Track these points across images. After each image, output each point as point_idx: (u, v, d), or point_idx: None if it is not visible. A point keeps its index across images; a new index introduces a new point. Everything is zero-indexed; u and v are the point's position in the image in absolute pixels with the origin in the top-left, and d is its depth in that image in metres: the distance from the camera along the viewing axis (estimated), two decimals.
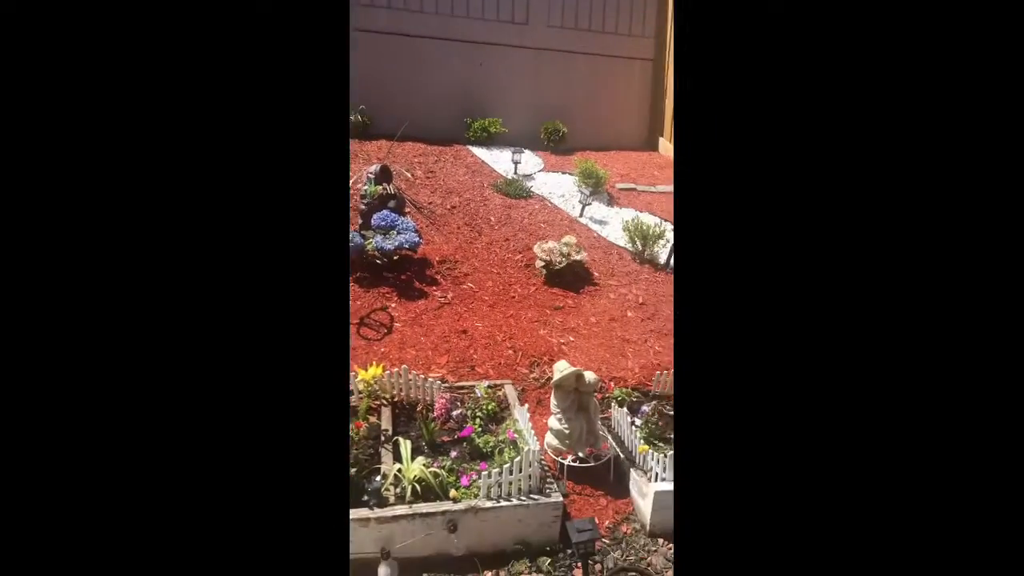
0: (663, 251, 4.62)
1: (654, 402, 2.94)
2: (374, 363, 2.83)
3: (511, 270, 4.23)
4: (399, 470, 2.27)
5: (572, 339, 3.63)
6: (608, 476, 2.67)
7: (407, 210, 4.53)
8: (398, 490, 2.25)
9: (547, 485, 2.37)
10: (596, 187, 5.41)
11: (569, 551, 2.29)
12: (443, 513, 2.20)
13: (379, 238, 3.83)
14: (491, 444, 2.52)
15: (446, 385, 2.94)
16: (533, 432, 2.52)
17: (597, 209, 5.25)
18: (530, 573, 2.23)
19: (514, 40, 6.37)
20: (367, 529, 2.14)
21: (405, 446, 2.35)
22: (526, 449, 2.32)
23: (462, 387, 2.99)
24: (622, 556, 2.35)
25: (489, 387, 2.93)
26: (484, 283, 4.04)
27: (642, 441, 2.63)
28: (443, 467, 2.35)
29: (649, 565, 2.32)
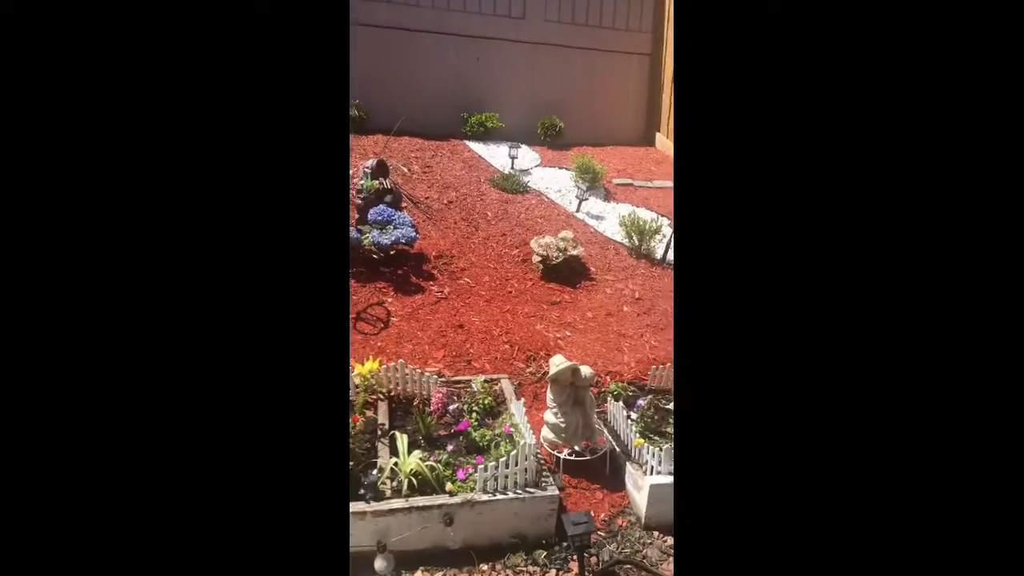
0: (659, 246, 4.63)
1: (650, 396, 2.96)
2: (371, 357, 2.84)
3: (508, 265, 4.23)
4: (395, 464, 2.28)
5: (569, 334, 3.63)
6: (604, 470, 2.69)
7: (404, 205, 4.52)
8: (394, 484, 2.26)
9: (543, 479, 2.38)
10: (593, 182, 5.41)
11: (565, 544, 2.30)
12: (439, 507, 2.20)
13: (376, 233, 3.82)
14: (487, 438, 2.52)
15: (443, 379, 2.95)
16: (529, 426, 2.53)
17: (594, 204, 5.25)
18: (526, 566, 2.24)
19: (511, 35, 6.34)
20: (364, 522, 2.14)
21: (402, 440, 2.36)
22: (522, 443, 2.33)
23: (459, 381, 2.99)
24: (618, 549, 2.36)
25: (485, 381, 2.94)
26: (481, 278, 4.04)
27: (638, 435, 2.64)
28: (439, 461, 2.35)
29: (644, 558, 2.33)
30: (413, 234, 3.92)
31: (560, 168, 5.80)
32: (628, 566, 2.27)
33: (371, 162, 4.36)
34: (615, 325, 3.77)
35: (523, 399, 2.84)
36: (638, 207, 5.29)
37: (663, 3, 6.69)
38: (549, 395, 2.70)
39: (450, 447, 2.48)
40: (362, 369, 2.69)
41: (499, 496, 2.27)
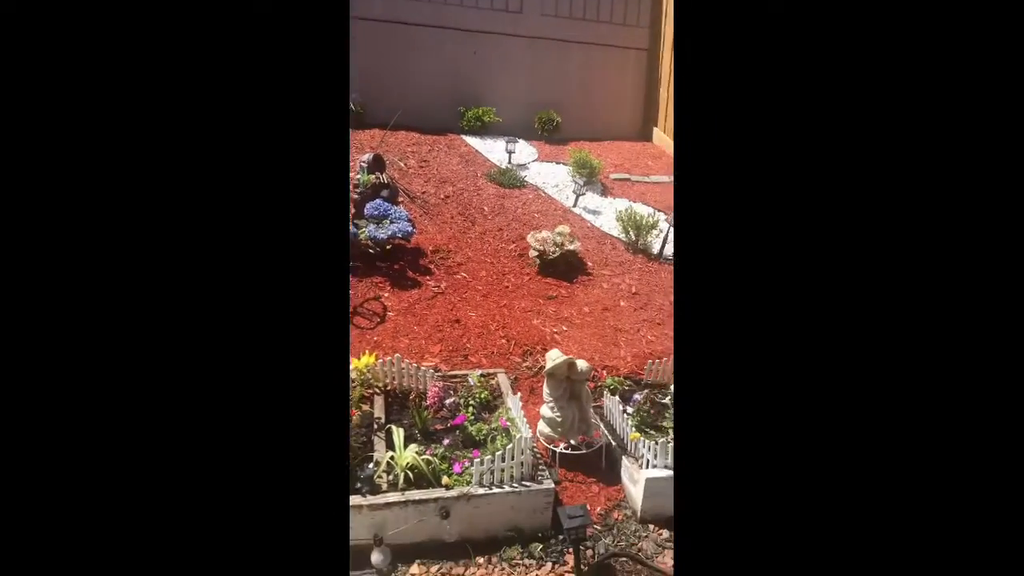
0: (656, 241, 4.63)
1: (646, 390, 2.96)
2: (367, 352, 2.83)
3: (504, 260, 4.23)
4: (392, 458, 2.28)
5: (565, 328, 3.64)
6: (600, 463, 2.69)
7: (400, 199, 4.51)
8: (391, 477, 2.26)
9: (539, 472, 2.39)
10: (590, 177, 5.41)
11: (561, 537, 2.31)
12: (436, 500, 2.21)
13: (372, 227, 3.81)
14: (484, 432, 2.53)
15: (439, 374, 2.95)
16: (525, 420, 2.53)
17: (591, 199, 5.24)
18: (522, 559, 2.25)
19: (508, 29, 6.32)
20: (360, 516, 2.15)
21: (398, 434, 2.36)
22: (518, 437, 2.33)
23: (455, 376, 2.99)
24: (613, 542, 2.37)
25: (482, 376, 2.94)
26: (477, 273, 4.04)
27: (634, 429, 2.65)
28: (436, 455, 2.36)
29: (640, 551, 2.35)
30: (409, 229, 3.91)
31: (557, 163, 5.79)
32: (624, 559, 2.29)
33: (367, 156, 4.34)
34: (612, 320, 3.78)
35: (519, 393, 2.85)
36: (635, 202, 5.28)
37: None
38: (545, 389, 2.70)
39: (446, 441, 2.48)
40: (358, 363, 2.69)
41: (495, 490, 2.27)
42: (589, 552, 2.31)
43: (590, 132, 6.59)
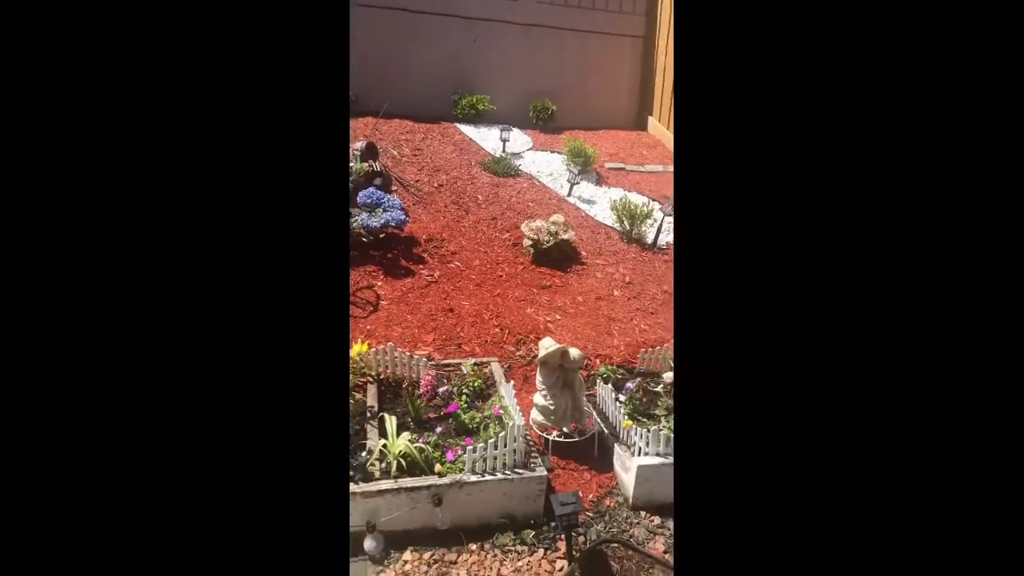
0: (650, 231, 4.63)
1: (638, 379, 2.98)
2: (360, 340, 2.83)
3: (498, 249, 4.22)
4: (384, 446, 2.28)
5: (559, 317, 3.64)
6: (592, 451, 2.71)
7: (393, 188, 4.48)
8: (383, 465, 2.27)
9: (532, 460, 2.40)
10: (585, 166, 5.39)
11: (553, 524, 2.32)
12: (428, 487, 2.22)
13: (365, 216, 3.79)
14: (477, 420, 2.54)
15: (432, 363, 2.95)
16: (518, 408, 2.54)
17: (585, 188, 5.23)
18: (514, 545, 2.27)
19: (503, 16, 6.26)
20: (353, 503, 2.15)
21: (390, 422, 2.36)
22: (511, 424, 2.34)
23: (448, 365, 3.00)
24: (605, 528, 2.39)
25: (475, 364, 2.94)
26: (471, 262, 4.03)
27: (626, 417, 2.66)
28: (429, 443, 2.36)
29: (631, 537, 2.37)
30: (403, 217, 3.90)
31: (552, 152, 5.77)
32: (615, 545, 2.31)
33: (361, 144, 4.31)
34: (605, 309, 3.78)
35: (512, 382, 2.85)
36: (630, 191, 5.28)
37: None
38: (538, 377, 2.71)
39: (439, 429, 2.49)
40: (351, 352, 2.69)
41: (488, 477, 2.28)
42: (581, 538, 2.33)
43: (585, 121, 6.56)
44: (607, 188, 5.35)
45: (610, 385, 2.88)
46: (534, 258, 4.14)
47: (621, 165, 5.85)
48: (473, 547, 2.25)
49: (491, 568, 2.18)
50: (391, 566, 2.16)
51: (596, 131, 6.52)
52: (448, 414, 2.59)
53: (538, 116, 6.26)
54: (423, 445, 2.32)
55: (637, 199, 4.98)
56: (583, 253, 4.34)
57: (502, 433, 2.32)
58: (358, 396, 2.67)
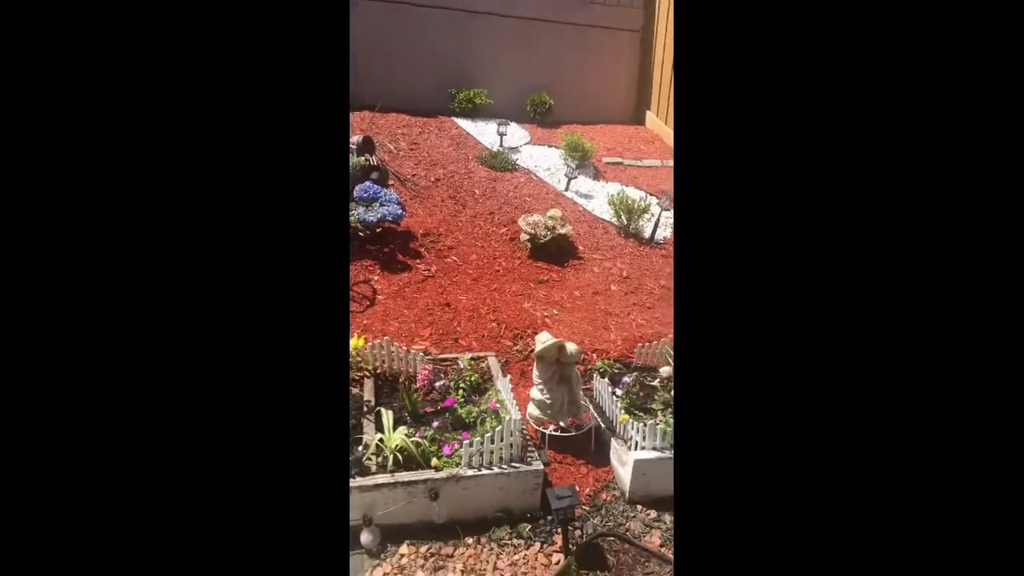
0: (648, 225, 4.63)
1: (635, 373, 2.98)
2: (357, 335, 2.82)
3: (495, 243, 4.21)
4: (381, 440, 2.28)
5: (556, 312, 3.64)
6: (589, 445, 2.71)
7: (390, 182, 4.47)
8: (380, 459, 2.27)
9: (528, 454, 2.40)
10: (582, 160, 5.38)
11: (549, 517, 2.33)
12: (425, 481, 2.22)
13: (361, 210, 3.78)
14: (473, 414, 2.53)
15: (429, 357, 2.94)
16: (515, 402, 2.54)
17: (583, 183, 5.22)
18: (511, 539, 2.27)
19: (501, 9, 6.22)
20: (350, 497, 2.15)
21: (387, 416, 2.36)
22: (507, 418, 2.34)
23: (445, 359, 2.99)
24: (601, 522, 2.40)
25: (472, 359, 2.94)
26: (468, 256, 4.02)
27: (623, 411, 2.66)
28: (425, 437, 2.36)
29: (628, 531, 2.37)
30: (399, 212, 3.88)
31: (549, 146, 5.75)
32: (611, 538, 2.31)
33: (357, 138, 4.29)
34: (602, 304, 3.78)
35: (509, 376, 2.85)
36: (627, 186, 5.27)
37: None
38: (535, 372, 2.71)
39: (436, 423, 2.49)
40: None
41: (484, 471, 2.28)
42: (577, 532, 2.33)
43: (583, 115, 6.54)
44: (605, 183, 5.34)
45: (607, 379, 2.88)
46: (531, 253, 4.13)
47: (619, 160, 5.84)
48: (470, 541, 2.25)
49: (487, 562, 2.18)
50: (387, 560, 2.16)
51: (594, 125, 6.50)
52: (445, 408, 2.59)
53: (535, 110, 6.24)
54: (420, 439, 2.32)
55: (634, 194, 4.97)
56: (580, 248, 4.34)
57: (499, 427, 2.32)
58: (355, 390, 2.67)
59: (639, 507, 2.48)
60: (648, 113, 6.85)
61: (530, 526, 2.31)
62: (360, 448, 2.30)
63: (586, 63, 6.62)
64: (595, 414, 2.80)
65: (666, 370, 2.97)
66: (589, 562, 2.20)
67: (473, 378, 2.79)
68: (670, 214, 4.73)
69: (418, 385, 2.67)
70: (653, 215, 4.63)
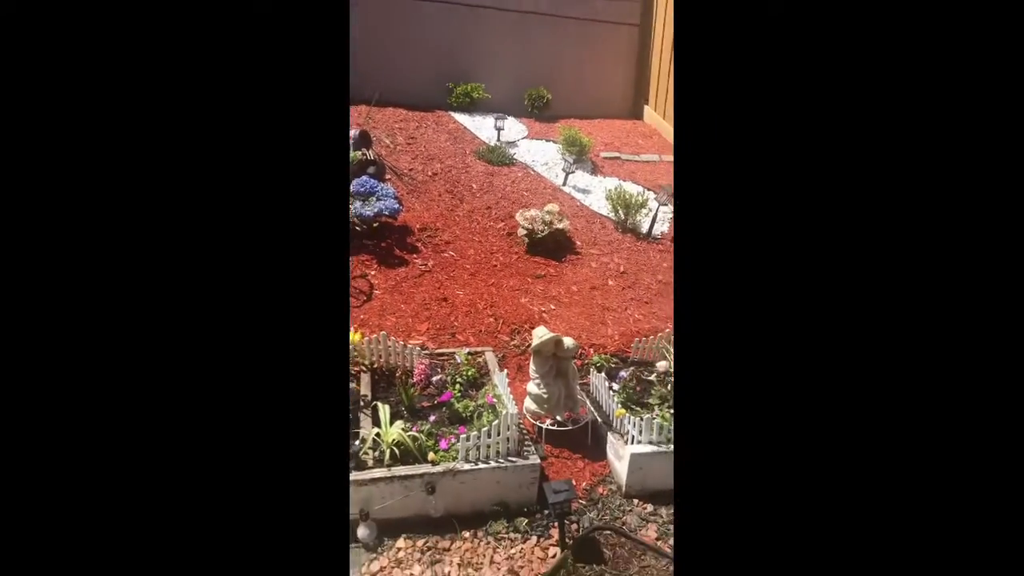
0: (645, 220, 4.62)
1: (632, 368, 2.98)
2: (353, 329, 2.82)
3: (493, 238, 4.21)
4: (377, 434, 2.28)
5: (553, 307, 3.64)
6: (586, 439, 2.72)
7: (387, 176, 4.45)
8: (376, 453, 2.27)
9: (525, 448, 2.41)
10: (580, 155, 5.36)
11: (546, 511, 2.33)
12: (422, 476, 2.22)
13: (358, 204, 3.77)
14: (470, 409, 2.54)
15: (426, 352, 2.94)
16: (512, 397, 2.54)
17: (580, 177, 5.21)
18: (508, 533, 2.28)
19: (498, 3, 6.18)
20: (350, 491, 2.16)
21: (384, 410, 2.36)
22: (504, 413, 2.34)
23: (442, 354, 2.99)
24: (598, 516, 2.41)
25: (469, 354, 2.94)
26: (465, 251, 4.02)
27: (619, 405, 2.66)
28: (422, 431, 2.36)
29: (624, 524, 2.38)
30: (396, 206, 3.87)
31: (547, 140, 5.73)
32: (608, 532, 2.32)
33: (354, 133, 4.27)
34: (599, 299, 3.78)
35: (506, 371, 2.85)
36: (625, 181, 5.26)
37: None
38: (532, 366, 2.71)
39: (433, 418, 2.49)
40: None
41: (481, 465, 2.29)
42: (574, 526, 2.34)
43: (581, 109, 6.52)
44: (602, 177, 5.33)
45: (603, 374, 2.89)
46: (528, 248, 4.12)
47: (616, 154, 5.83)
48: (466, 535, 2.26)
49: (484, 555, 2.19)
50: (384, 553, 2.16)
51: (592, 120, 6.48)
52: (442, 403, 2.59)
53: (533, 105, 6.22)
54: (416, 434, 2.32)
55: (632, 188, 4.96)
56: (578, 243, 4.33)
57: (496, 422, 2.32)
58: (352, 385, 2.67)
59: (635, 501, 2.49)
60: (646, 108, 6.83)
61: (527, 520, 2.32)
62: (357, 442, 2.30)
63: (584, 57, 6.60)
64: (592, 408, 2.80)
65: (663, 365, 2.97)
66: (585, 556, 2.20)
67: (470, 373, 2.79)
68: (668, 209, 4.73)
69: (415, 380, 2.67)
70: (651, 210, 4.63)
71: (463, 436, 2.28)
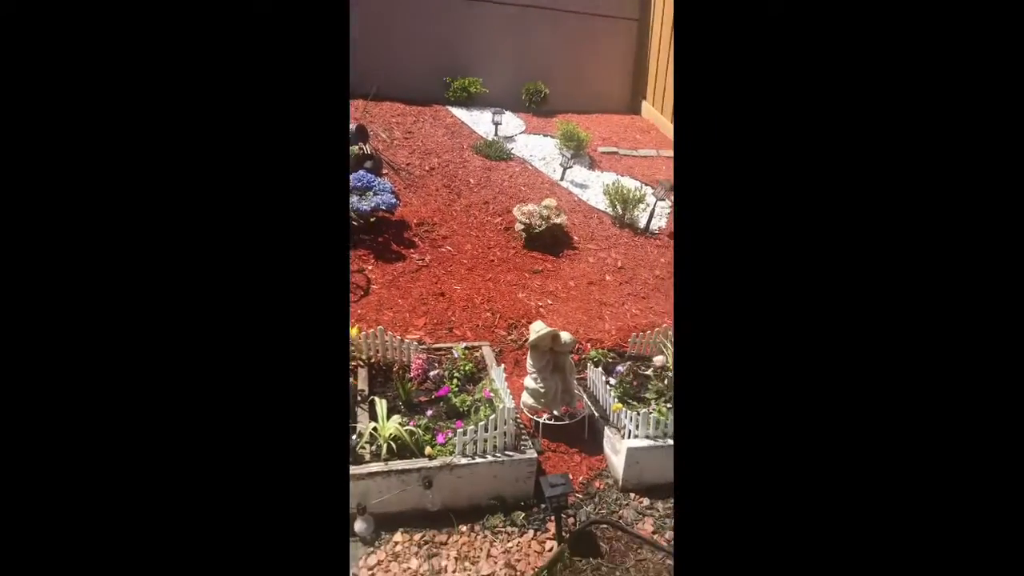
0: (643, 215, 4.62)
1: (629, 363, 2.99)
2: (351, 324, 2.82)
3: (490, 233, 4.20)
4: (375, 428, 2.28)
5: (551, 302, 3.64)
6: (583, 434, 2.73)
7: (384, 171, 4.44)
8: (373, 448, 2.27)
9: (522, 442, 2.41)
10: (577, 150, 5.36)
11: (543, 505, 2.34)
12: (419, 470, 2.22)
13: (355, 199, 3.76)
14: (467, 403, 2.54)
15: (423, 347, 2.94)
16: (509, 391, 2.54)
17: (578, 172, 5.20)
18: (505, 527, 2.28)
19: None
20: (349, 485, 2.16)
21: (381, 405, 2.36)
22: (501, 407, 2.34)
23: (439, 349, 2.99)
24: (594, 510, 2.41)
25: (466, 349, 2.94)
26: (463, 246, 4.01)
27: (616, 400, 2.67)
28: (419, 425, 2.37)
29: (620, 518, 2.39)
30: (393, 201, 3.86)
31: (544, 135, 5.72)
32: (604, 526, 2.33)
33: (351, 127, 4.25)
34: (597, 294, 3.78)
35: (503, 365, 2.85)
36: (622, 176, 5.25)
37: None
38: (529, 361, 2.71)
39: (430, 412, 2.49)
40: None
41: (478, 459, 2.29)
42: (570, 519, 2.35)
43: (578, 104, 6.51)
44: (600, 172, 5.33)
45: (600, 369, 2.89)
46: (526, 242, 4.12)
47: (614, 149, 5.82)
48: (463, 528, 2.26)
49: (481, 549, 2.20)
50: (381, 547, 2.17)
51: (589, 115, 6.47)
52: (439, 397, 2.59)
53: (531, 99, 6.20)
54: (413, 428, 2.32)
55: (630, 183, 4.96)
56: (575, 238, 4.33)
57: (492, 416, 2.32)
58: (350, 380, 2.67)
59: (632, 495, 2.49)
60: (644, 102, 6.82)
61: (524, 514, 2.33)
62: (354, 437, 2.30)
63: (582, 52, 6.58)
64: (589, 403, 2.81)
65: (660, 359, 2.98)
66: (582, 549, 2.21)
67: (467, 367, 2.79)
68: (665, 204, 4.73)
69: (412, 374, 2.67)
70: (648, 205, 4.63)
71: (460, 430, 2.29)
